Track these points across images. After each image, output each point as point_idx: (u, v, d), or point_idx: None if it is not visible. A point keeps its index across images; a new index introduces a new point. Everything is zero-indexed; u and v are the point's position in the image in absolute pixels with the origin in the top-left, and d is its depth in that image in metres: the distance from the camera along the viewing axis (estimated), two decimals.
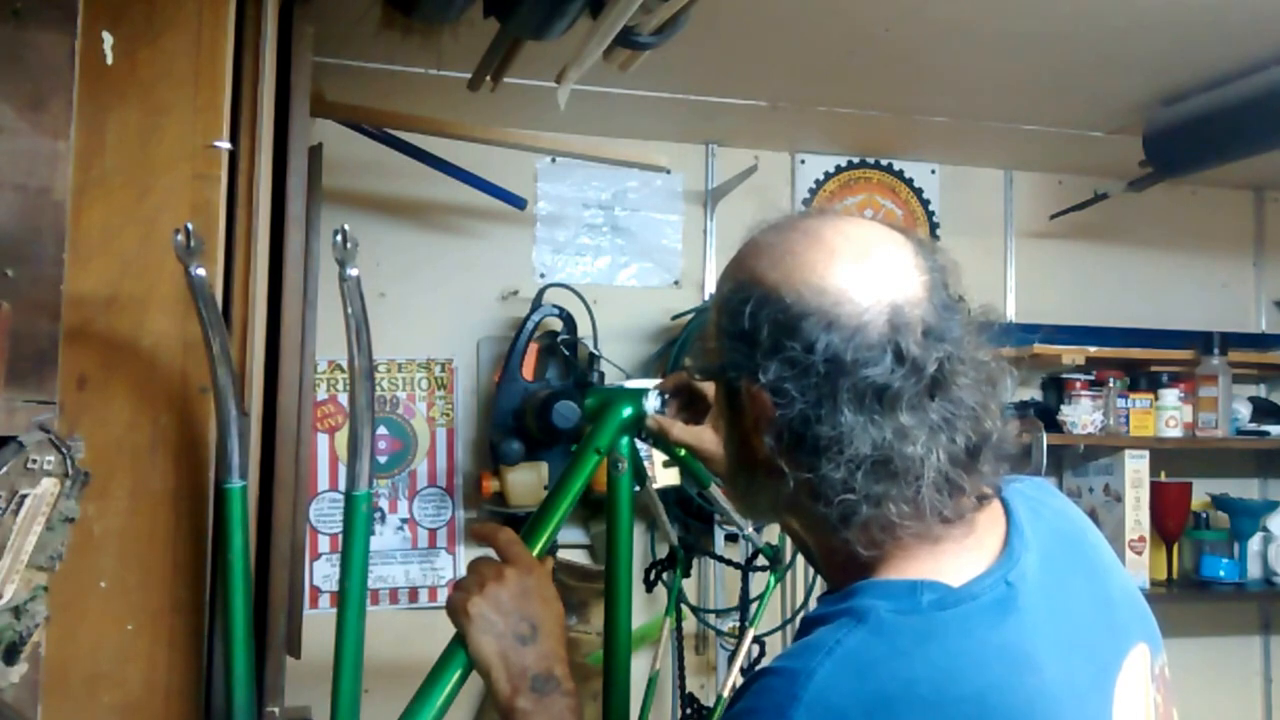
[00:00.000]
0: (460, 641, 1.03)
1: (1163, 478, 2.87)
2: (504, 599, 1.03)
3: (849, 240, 0.83)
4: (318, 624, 2.09)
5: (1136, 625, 0.90)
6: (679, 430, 1.29)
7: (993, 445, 0.83)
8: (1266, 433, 2.99)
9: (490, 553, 1.09)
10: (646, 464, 1.99)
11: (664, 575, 1.66)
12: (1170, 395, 2.87)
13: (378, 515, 2.57)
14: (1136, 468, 2.79)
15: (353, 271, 1.06)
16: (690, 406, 1.36)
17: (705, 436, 1.28)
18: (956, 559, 0.81)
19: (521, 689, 0.99)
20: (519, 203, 2.51)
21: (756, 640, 1.62)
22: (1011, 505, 0.87)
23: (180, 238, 1.09)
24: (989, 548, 0.82)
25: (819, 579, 2.63)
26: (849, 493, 0.79)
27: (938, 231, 3.00)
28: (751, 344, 0.81)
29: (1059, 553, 0.86)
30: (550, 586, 1.06)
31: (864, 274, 0.80)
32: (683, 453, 1.43)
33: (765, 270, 0.83)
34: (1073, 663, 0.79)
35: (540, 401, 2.38)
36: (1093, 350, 2.85)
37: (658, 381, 1.31)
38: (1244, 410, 3.02)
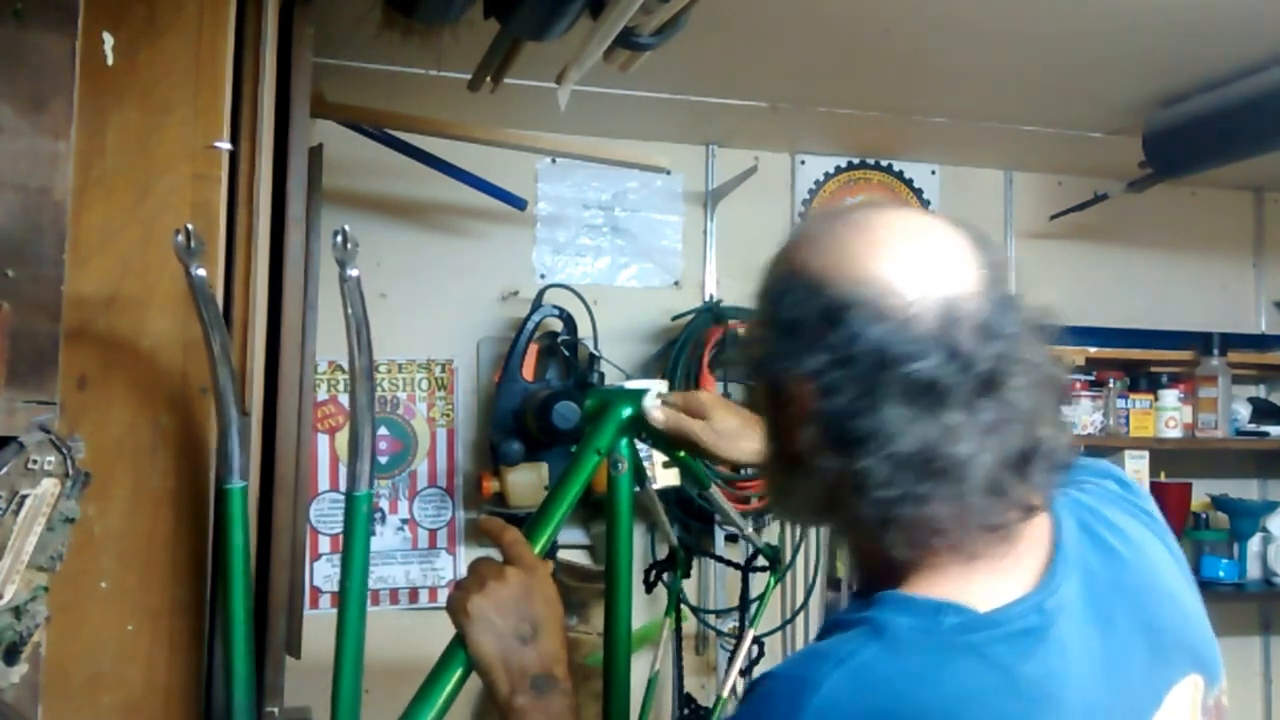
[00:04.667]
0: (460, 641, 1.03)
1: (1162, 478, 2.87)
2: (505, 599, 1.02)
3: (899, 231, 0.80)
4: (318, 624, 2.09)
5: (1187, 655, 0.85)
6: (688, 422, 1.27)
7: (1045, 454, 0.78)
8: (1266, 433, 2.99)
9: (492, 553, 1.10)
10: (646, 464, 1.99)
11: (664, 576, 1.67)
12: (1170, 396, 2.87)
13: (378, 516, 2.57)
14: (1136, 468, 2.78)
15: (353, 272, 1.06)
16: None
17: (704, 433, 1.27)
18: (989, 580, 0.77)
19: (521, 688, 0.99)
20: (519, 203, 2.51)
21: (756, 640, 1.62)
22: (1060, 521, 0.82)
23: (181, 238, 1.09)
24: (1027, 569, 0.79)
25: (819, 579, 2.64)
26: (889, 490, 0.75)
27: None
28: (796, 335, 0.79)
29: (1105, 576, 0.82)
30: (551, 587, 1.06)
31: (914, 266, 0.77)
32: (682, 453, 1.43)
33: (811, 260, 0.80)
34: (1104, 698, 0.76)
35: (540, 402, 2.38)
36: (1093, 350, 2.85)
37: (659, 382, 1.31)
38: (1244, 411, 3.03)
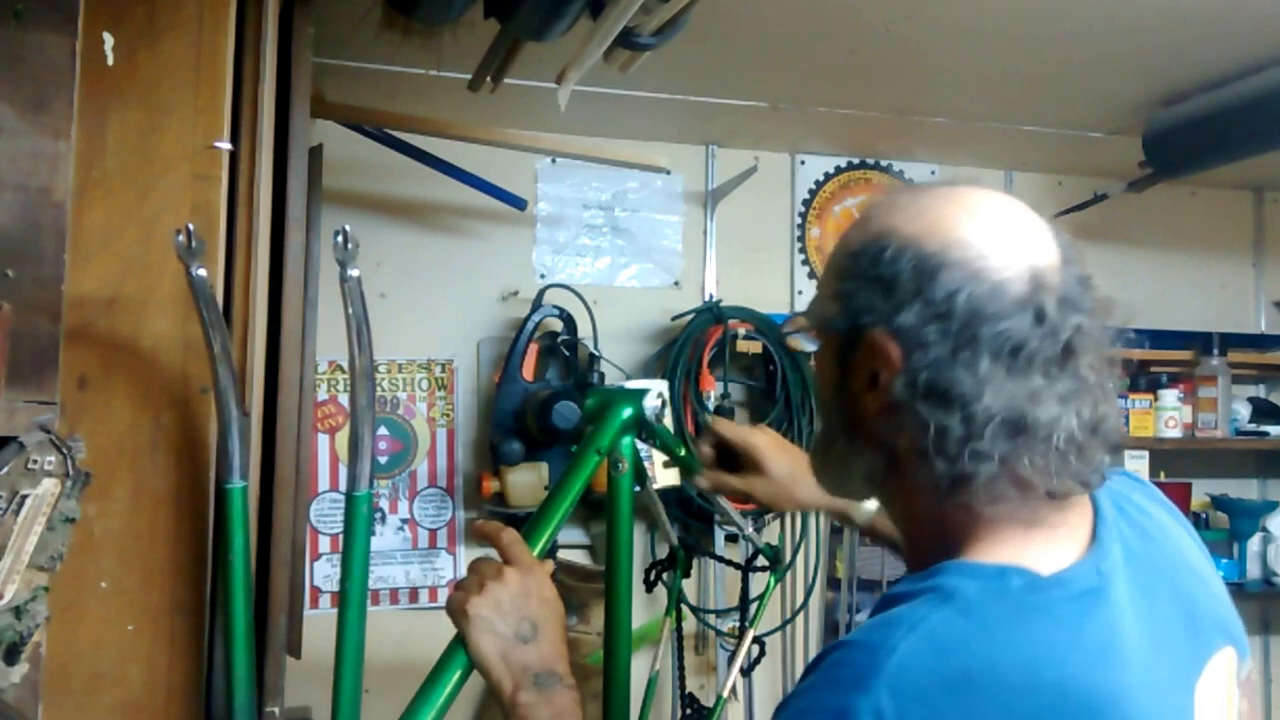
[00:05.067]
0: (461, 641, 1.04)
1: (1162, 478, 2.87)
2: (504, 599, 1.03)
3: (988, 203, 0.83)
4: (318, 624, 2.09)
5: (1221, 629, 0.89)
6: (734, 481, 1.32)
7: (1107, 430, 0.81)
8: (1266, 433, 2.99)
9: (492, 553, 1.10)
10: (646, 464, 1.99)
11: (664, 575, 1.66)
12: (1170, 396, 2.87)
13: (378, 515, 2.58)
14: (1136, 468, 2.79)
15: (353, 272, 1.06)
16: (726, 459, 1.37)
17: (757, 486, 1.31)
18: (1047, 546, 0.79)
19: (524, 685, 1.00)
20: (519, 203, 2.51)
21: (756, 640, 1.62)
22: (1097, 499, 0.85)
23: (181, 238, 1.10)
24: (1078, 538, 0.81)
25: (819, 579, 2.64)
26: (977, 444, 0.76)
27: None
28: (888, 290, 0.80)
29: (1142, 550, 0.85)
30: (550, 587, 1.06)
31: (1006, 234, 0.80)
32: (683, 452, 1.43)
33: (905, 222, 0.82)
34: (1156, 661, 0.78)
35: (540, 402, 2.38)
36: None
37: (659, 382, 1.31)
38: (1243, 411, 3.03)
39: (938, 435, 0.77)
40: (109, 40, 1.21)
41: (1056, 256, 0.81)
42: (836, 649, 0.76)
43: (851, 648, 0.74)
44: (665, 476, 2.25)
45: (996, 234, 0.80)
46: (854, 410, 0.84)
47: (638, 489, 1.36)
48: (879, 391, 0.81)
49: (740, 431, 1.37)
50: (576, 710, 1.00)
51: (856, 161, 2.95)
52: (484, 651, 1.01)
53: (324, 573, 2.52)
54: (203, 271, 1.11)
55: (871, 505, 1.31)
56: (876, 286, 0.81)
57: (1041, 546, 0.79)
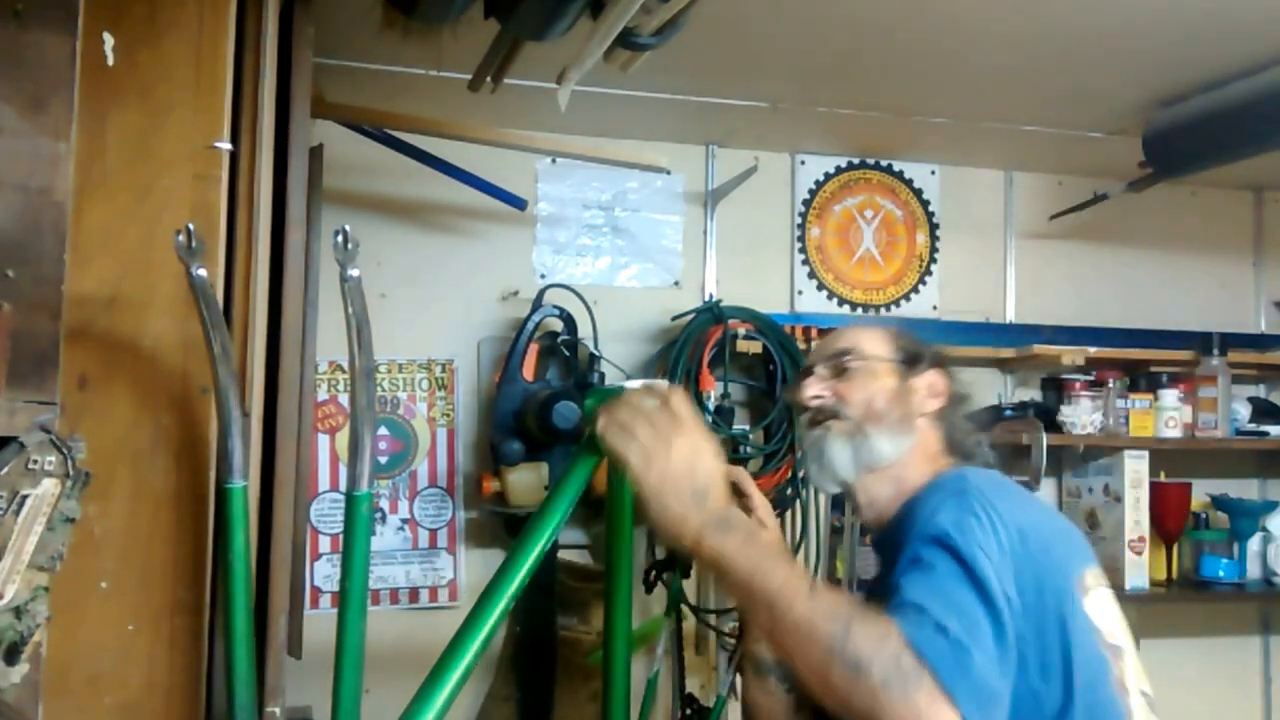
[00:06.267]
0: (592, 458, 1.12)
1: (1162, 478, 2.87)
2: (679, 461, 1.07)
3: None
4: (318, 624, 2.09)
5: None
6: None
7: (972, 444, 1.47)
8: (1266, 433, 2.99)
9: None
10: None
11: (664, 575, 1.66)
12: (1170, 396, 2.87)
13: (378, 515, 2.58)
14: (1136, 468, 2.79)
15: (354, 272, 1.06)
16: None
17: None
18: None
19: (707, 522, 1.07)
20: (519, 203, 2.51)
21: None
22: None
23: (182, 238, 1.10)
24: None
25: (818, 579, 2.64)
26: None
27: (938, 232, 3.00)
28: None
29: None
30: (709, 446, 1.11)
31: None
32: None
33: None
34: None
35: (541, 402, 2.38)
36: (1092, 350, 2.85)
37: (658, 382, 1.32)
38: (1243, 411, 3.03)
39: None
40: (109, 40, 1.21)
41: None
42: (947, 501, 1.22)
43: (952, 494, 1.23)
44: None
45: None
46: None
47: None
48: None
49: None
50: (752, 527, 1.12)
51: (856, 161, 2.95)
52: (665, 501, 1.07)
53: (324, 573, 2.52)
54: (203, 271, 1.11)
55: None
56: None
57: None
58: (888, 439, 1.38)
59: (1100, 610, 1.26)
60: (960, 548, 1.14)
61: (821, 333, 2.68)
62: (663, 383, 1.17)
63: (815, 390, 1.43)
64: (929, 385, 1.42)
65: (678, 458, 1.08)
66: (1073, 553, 1.29)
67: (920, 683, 1.01)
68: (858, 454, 1.38)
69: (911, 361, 1.43)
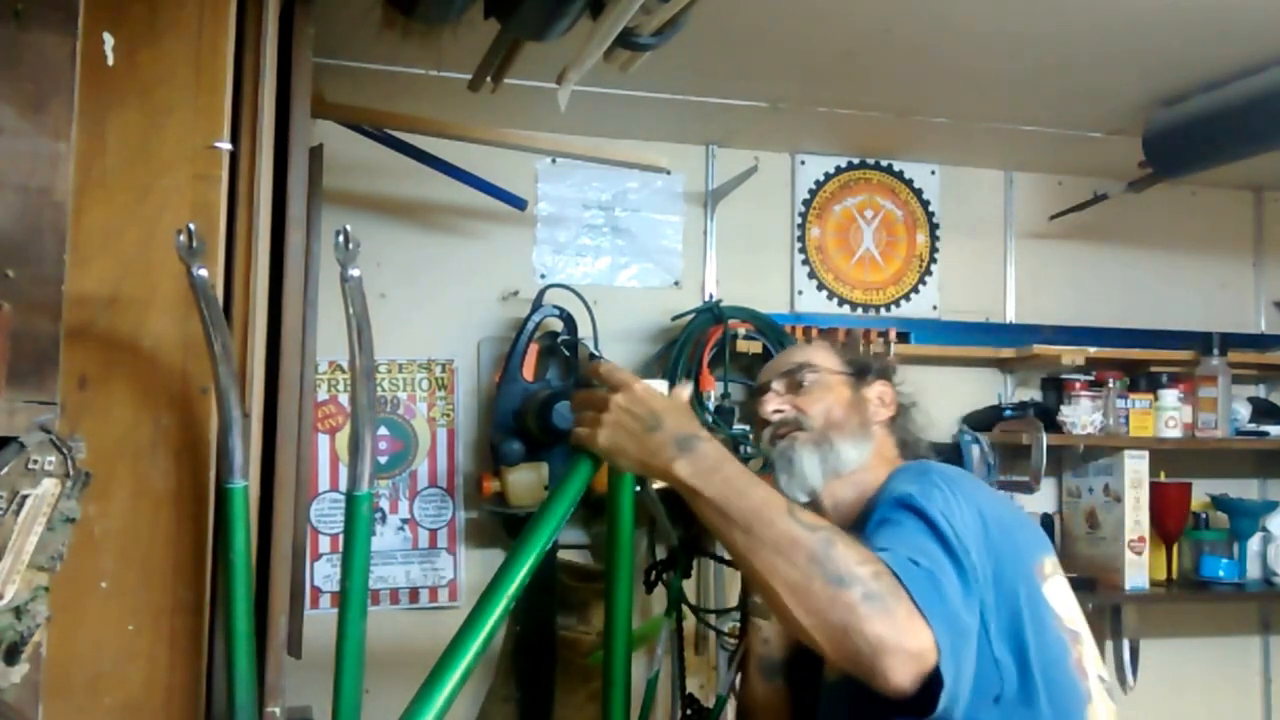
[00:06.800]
0: (590, 461, 1.16)
1: (1162, 478, 2.87)
2: (621, 406, 1.14)
3: None
4: (318, 624, 2.09)
5: None
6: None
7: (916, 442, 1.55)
8: (1266, 433, 2.99)
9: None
10: None
11: (664, 575, 1.67)
12: (1170, 396, 2.87)
13: (378, 515, 2.58)
14: (1136, 468, 2.79)
15: (354, 272, 1.06)
16: None
17: None
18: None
19: (674, 457, 1.12)
20: (519, 203, 2.51)
21: None
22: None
23: (182, 238, 1.10)
24: None
25: None
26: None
27: (938, 232, 3.01)
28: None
29: None
30: (656, 391, 1.18)
31: None
32: None
33: None
34: None
35: (541, 402, 2.38)
36: (1092, 350, 2.85)
37: (658, 382, 1.33)
38: (1243, 411, 3.03)
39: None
40: (109, 40, 1.21)
41: None
42: (915, 482, 1.26)
43: (916, 477, 1.28)
44: None
45: None
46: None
47: (638, 489, 1.36)
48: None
49: None
50: (724, 450, 1.13)
51: (856, 161, 2.95)
52: (625, 449, 1.14)
53: (324, 573, 2.52)
54: (203, 271, 1.11)
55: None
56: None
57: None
58: (851, 445, 1.44)
59: (1058, 596, 1.29)
60: (925, 508, 1.20)
61: (822, 333, 2.68)
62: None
63: (775, 405, 1.50)
64: (879, 395, 1.51)
65: (616, 408, 1.14)
66: (1032, 540, 1.33)
67: (899, 600, 1.05)
68: (825, 461, 1.43)
69: (861, 373, 1.52)
